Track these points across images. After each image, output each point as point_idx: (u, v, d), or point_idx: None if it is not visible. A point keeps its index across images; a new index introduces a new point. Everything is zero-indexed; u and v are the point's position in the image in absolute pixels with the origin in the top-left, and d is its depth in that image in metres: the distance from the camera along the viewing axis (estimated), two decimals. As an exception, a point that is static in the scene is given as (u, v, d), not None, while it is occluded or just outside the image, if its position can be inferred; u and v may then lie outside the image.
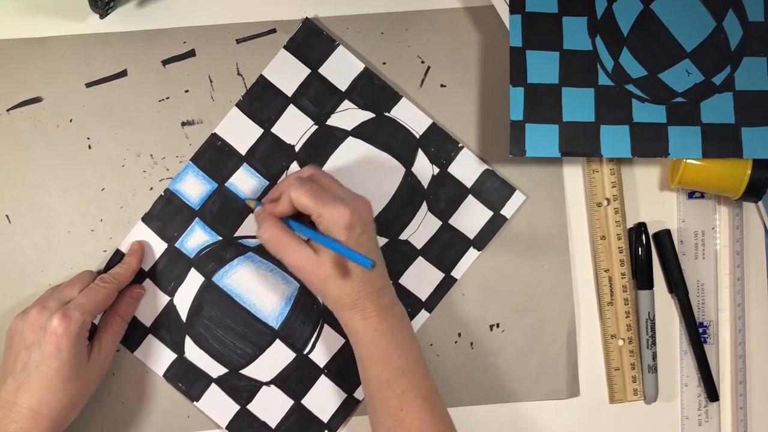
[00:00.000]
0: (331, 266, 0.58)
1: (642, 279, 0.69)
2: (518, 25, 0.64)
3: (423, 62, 0.69)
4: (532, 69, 0.64)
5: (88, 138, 0.68)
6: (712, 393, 0.69)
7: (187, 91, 0.68)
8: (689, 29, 0.65)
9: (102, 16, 0.67)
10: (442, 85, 0.69)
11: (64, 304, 0.60)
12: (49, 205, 0.67)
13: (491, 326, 0.69)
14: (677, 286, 0.69)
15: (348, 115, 0.69)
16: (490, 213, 0.69)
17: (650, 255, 0.69)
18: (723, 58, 0.65)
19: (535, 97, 0.64)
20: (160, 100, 0.68)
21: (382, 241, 0.68)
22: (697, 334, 0.69)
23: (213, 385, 0.67)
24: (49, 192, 0.67)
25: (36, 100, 0.67)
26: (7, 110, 0.67)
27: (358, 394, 0.68)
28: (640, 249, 0.69)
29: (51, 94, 0.68)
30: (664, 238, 0.69)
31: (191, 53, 0.68)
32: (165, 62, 0.68)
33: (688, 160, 0.65)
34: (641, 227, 0.69)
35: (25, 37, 0.68)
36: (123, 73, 0.68)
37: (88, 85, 0.68)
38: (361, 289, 0.59)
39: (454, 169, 0.69)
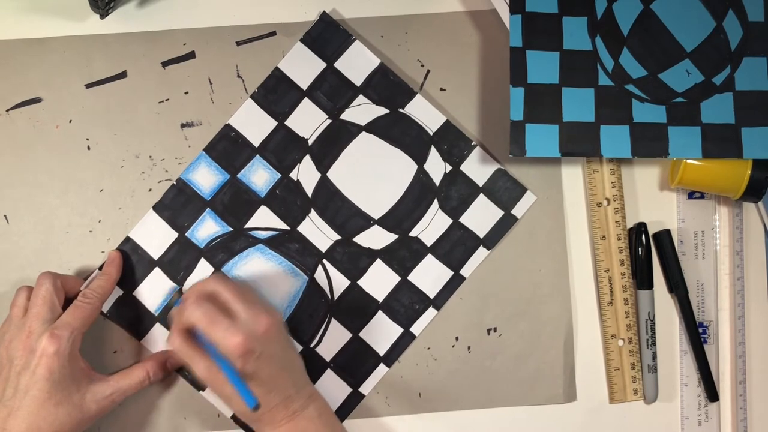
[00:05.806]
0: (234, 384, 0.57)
1: (642, 279, 0.69)
2: (518, 25, 0.65)
3: (423, 66, 0.69)
4: (532, 69, 0.64)
5: (87, 139, 0.68)
6: (712, 393, 0.69)
7: (186, 93, 0.68)
8: (689, 29, 0.65)
9: (102, 17, 0.67)
10: (441, 89, 0.69)
11: (47, 322, 0.59)
12: (48, 206, 0.67)
13: (488, 330, 0.69)
14: (677, 286, 0.69)
15: (362, 110, 0.69)
16: (501, 212, 0.69)
17: (650, 255, 0.69)
18: (723, 58, 0.65)
19: (535, 97, 0.64)
20: (159, 102, 0.68)
21: (392, 237, 0.68)
22: (697, 334, 0.69)
23: None
24: (48, 192, 0.67)
25: (35, 100, 0.67)
26: (7, 111, 0.67)
27: (363, 388, 0.67)
28: (640, 249, 0.69)
29: (50, 94, 0.67)
30: (664, 238, 0.69)
31: (191, 55, 0.68)
32: (165, 64, 0.68)
33: (688, 160, 0.65)
34: (641, 227, 0.69)
35: (25, 37, 0.68)
36: (123, 75, 0.68)
37: (88, 86, 0.68)
38: (266, 405, 0.58)
39: (466, 167, 0.69)
